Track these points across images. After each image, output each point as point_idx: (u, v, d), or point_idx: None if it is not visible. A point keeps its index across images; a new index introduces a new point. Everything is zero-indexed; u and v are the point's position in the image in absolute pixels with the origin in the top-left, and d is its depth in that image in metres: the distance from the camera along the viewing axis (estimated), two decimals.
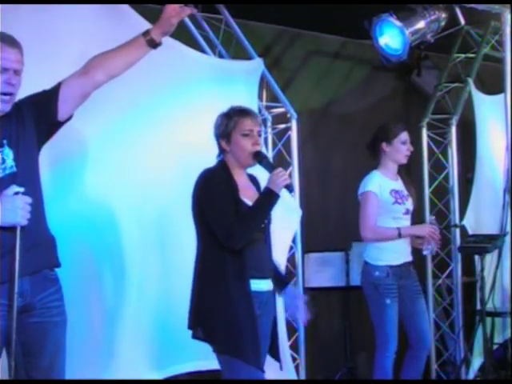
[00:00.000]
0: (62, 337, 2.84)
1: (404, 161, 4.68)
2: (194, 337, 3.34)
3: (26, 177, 2.74)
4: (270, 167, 3.32)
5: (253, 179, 3.50)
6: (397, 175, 4.72)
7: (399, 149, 4.63)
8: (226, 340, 3.23)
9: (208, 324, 3.28)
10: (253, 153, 3.34)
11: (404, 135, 4.67)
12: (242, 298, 3.23)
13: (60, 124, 2.85)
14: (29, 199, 2.64)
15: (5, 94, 2.68)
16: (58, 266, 2.87)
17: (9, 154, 2.71)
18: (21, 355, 2.70)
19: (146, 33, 2.84)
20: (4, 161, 2.70)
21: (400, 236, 4.53)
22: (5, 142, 2.70)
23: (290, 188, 3.28)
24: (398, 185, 4.70)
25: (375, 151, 4.70)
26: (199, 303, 3.31)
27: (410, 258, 4.66)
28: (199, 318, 3.31)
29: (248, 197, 3.32)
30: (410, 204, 4.69)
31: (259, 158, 3.34)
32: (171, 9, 2.81)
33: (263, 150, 3.57)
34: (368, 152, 4.76)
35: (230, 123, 3.37)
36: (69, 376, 3.66)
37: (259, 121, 3.46)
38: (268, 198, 3.27)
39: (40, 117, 2.79)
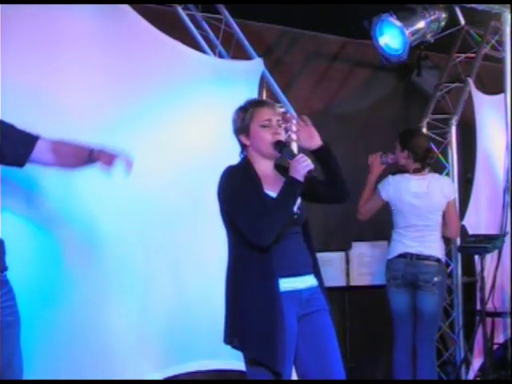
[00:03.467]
0: (16, 336, 2.89)
1: None
2: (233, 346, 3.15)
3: None
4: (292, 155, 3.18)
5: (283, 169, 3.31)
6: None
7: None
8: (254, 345, 3.06)
9: (240, 331, 3.10)
10: (273, 143, 3.21)
11: None
12: (267, 299, 3.06)
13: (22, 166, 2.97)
14: None
15: None
16: (5, 269, 2.89)
17: None
18: None
19: (91, 152, 2.99)
20: None
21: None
22: None
23: (312, 174, 3.12)
24: None
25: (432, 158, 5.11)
26: (230, 308, 3.16)
27: None
28: (233, 325, 3.14)
29: (274, 190, 3.17)
30: None
31: (279, 147, 3.20)
32: (107, 157, 3.00)
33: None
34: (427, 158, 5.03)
35: (246, 116, 3.25)
36: (69, 376, 3.67)
37: (278, 110, 3.34)
38: (290, 187, 3.12)
39: (6, 155, 2.89)
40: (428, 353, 4.88)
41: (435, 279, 4.81)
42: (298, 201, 3.24)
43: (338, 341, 3.30)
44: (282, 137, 3.25)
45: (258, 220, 3.06)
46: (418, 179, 4.94)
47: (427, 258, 4.84)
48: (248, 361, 3.15)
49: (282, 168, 3.32)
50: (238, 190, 3.14)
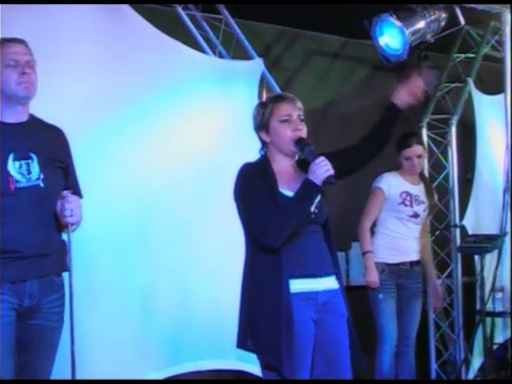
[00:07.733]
0: (57, 340, 2.97)
1: (411, 173, 4.87)
2: (246, 349, 3.01)
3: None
4: (313, 156, 2.97)
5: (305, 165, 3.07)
6: (419, 180, 4.91)
7: (403, 163, 4.87)
8: (263, 348, 2.93)
9: (251, 334, 2.97)
10: (294, 139, 3.02)
11: (407, 152, 4.85)
12: (275, 301, 2.90)
13: None
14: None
15: (23, 82, 2.90)
16: (67, 269, 3.00)
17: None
18: (16, 351, 2.83)
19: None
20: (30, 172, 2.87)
21: (363, 255, 4.74)
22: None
23: (331, 180, 2.91)
24: (416, 189, 4.87)
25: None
26: (243, 311, 3.02)
27: (414, 258, 4.80)
28: (245, 328, 2.99)
29: (291, 188, 2.99)
30: (421, 209, 4.83)
31: (301, 144, 3.01)
32: None
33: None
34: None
35: (266, 112, 3.09)
36: (69, 376, 3.66)
37: (299, 105, 3.11)
38: (307, 189, 2.93)
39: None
40: None
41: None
42: (317, 199, 3.03)
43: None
44: (304, 133, 3.07)
45: (268, 221, 2.92)
46: None
47: None
48: (262, 364, 3.00)
49: (303, 164, 3.11)
50: (250, 190, 2.99)
